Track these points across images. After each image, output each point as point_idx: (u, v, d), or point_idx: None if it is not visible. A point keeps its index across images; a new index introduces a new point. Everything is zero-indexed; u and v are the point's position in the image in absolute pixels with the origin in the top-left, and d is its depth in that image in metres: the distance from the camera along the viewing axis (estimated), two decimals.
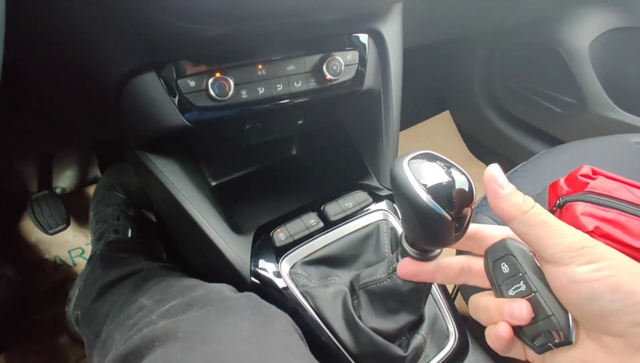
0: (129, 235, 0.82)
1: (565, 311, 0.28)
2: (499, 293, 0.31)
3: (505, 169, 0.90)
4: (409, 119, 1.49)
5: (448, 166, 0.32)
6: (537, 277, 0.29)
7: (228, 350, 0.36)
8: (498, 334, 0.29)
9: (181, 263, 0.70)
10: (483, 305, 0.31)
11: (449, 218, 0.30)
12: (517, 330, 0.30)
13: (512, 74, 1.26)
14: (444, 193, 0.31)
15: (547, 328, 0.28)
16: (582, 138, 0.79)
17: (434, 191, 0.30)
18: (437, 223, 0.31)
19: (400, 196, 0.32)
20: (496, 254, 0.32)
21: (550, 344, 0.28)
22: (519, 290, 0.30)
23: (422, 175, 0.31)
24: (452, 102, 1.53)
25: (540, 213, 0.28)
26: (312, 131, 0.76)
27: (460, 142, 1.50)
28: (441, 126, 1.52)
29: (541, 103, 1.17)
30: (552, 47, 1.07)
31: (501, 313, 0.29)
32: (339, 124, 0.72)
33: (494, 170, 0.29)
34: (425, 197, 0.30)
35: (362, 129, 0.68)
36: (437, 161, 0.33)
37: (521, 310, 0.28)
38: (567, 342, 0.27)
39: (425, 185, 0.31)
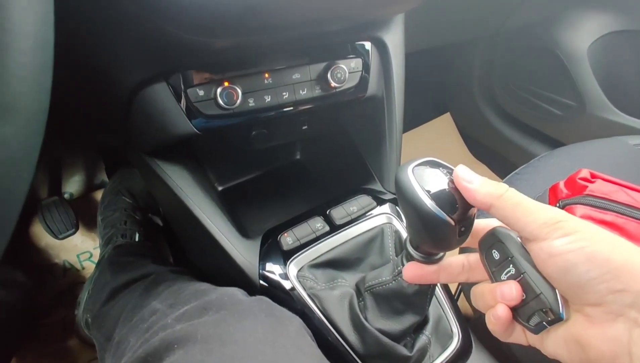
0: (137, 238, 0.84)
1: (553, 289, 0.29)
2: (493, 279, 0.33)
3: (506, 170, 0.92)
4: (410, 122, 1.50)
5: (450, 172, 0.34)
6: (525, 259, 0.30)
7: (245, 351, 0.38)
8: (496, 315, 0.30)
9: (187, 266, 0.71)
10: (479, 293, 0.33)
11: (452, 223, 0.32)
12: (514, 313, 0.31)
13: (512, 77, 1.27)
14: (447, 199, 0.32)
15: (538, 307, 0.29)
16: (582, 140, 0.81)
17: (437, 197, 0.32)
18: (440, 228, 0.32)
19: (405, 202, 0.33)
20: (487, 243, 0.34)
21: (544, 323, 0.29)
22: (509, 273, 0.31)
23: (425, 182, 0.33)
24: (452, 104, 1.55)
25: (514, 196, 0.29)
26: (316, 136, 0.77)
27: (461, 143, 1.52)
28: (442, 128, 1.53)
29: (540, 105, 1.19)
30: (551, 50, 1.09)
31: (494, 297, 0.31)
32: (343, 129, 0.73)
33: (460, 170, 0.32)
34: (429, 203, 0.32)
35: (366, 134, 0.70)
36: (440, 168, 0.34)
37: (510, 291, 0.30)
38: (558, 319, 0.28)
39: (428, 191, 0.32)
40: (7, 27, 0.19)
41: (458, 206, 0.32)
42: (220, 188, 0.76)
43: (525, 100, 1.23)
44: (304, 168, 0.81)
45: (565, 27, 1.06)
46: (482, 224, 0.36)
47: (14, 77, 0.19)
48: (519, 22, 1.15)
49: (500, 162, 1.40)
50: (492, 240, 0.33)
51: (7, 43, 0.19)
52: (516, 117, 1.31)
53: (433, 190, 0.32)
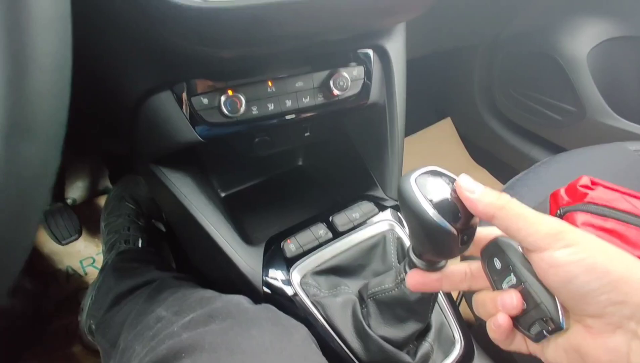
0: (140, 244, 0.84)
1: (553, 299, 0.29)
2: (495, 288, 0.33)
3: (507, 174, 0.92)
4: (410, 126, 1.51)
5: (453, 181, 0.34)
6: (526, 269, 0.31)
7: (252, 360, 0.38)
8: (497, 323, 0.31)
9: (190, 272, 0.72)
10: (481, 300, 0.33)
11: (455, 232, 0.32)
12: (515, 322, 0.31)
13: (512, 82, 1.28)
14: (449, 208, 0.32)
15: (538, 316, 0.30)
16: (582, 145, 0.81)
17: (440, 206, 0.32)
18: (443, 237, 0.33)
19: (408, 211, 0.34)
20: (489, 252, 0.34)
21: (544, 332, 0.29)
22: (510, 282, 0.31)
23: (428, 191, 0.33)
24: (453, 109, 1.56)
25: (516, 206, 0.30)
26: (318, 142, 0.78)
27: (461, 148, 1.52)
28: (443, 133, 1.54)
29: (541, 110, 1.19)
30: (550, 56, 1.09)
31: (495, 305, 0.31)
32: (345, 135, 0.74)
33: (462, 180, 0.32)
34: (432, 213, 0.32)
35: (368, 141, 0.70)
36: (443, 177, 0.34)
37: (511, 300, 0.30)
38: (558, 328, 0.29)
39: (431, 201, 0.32)
40: (29, 46, 0.19)
41: (460, 215, 0.33)
42: (223, 195, 0.76)
43: (526, 105, 1.24)
44: (306, 174, 0.82)
45: (565, 33, 1.07)
46: (484, 233, 0.36)
47: (35, 96, 0.20)
48: (518, 28, 1.16)
49: (501, 167, 1.41)
50: (493, 249, 0.34)
51: (29, 62, 0.19)
52: (516, 122, 1.32)
53: (436, 199, 0.32)
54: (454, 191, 0.33)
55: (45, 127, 0.21)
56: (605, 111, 1.03)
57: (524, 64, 1.21)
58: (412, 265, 0.40)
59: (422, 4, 0.51)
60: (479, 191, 0.31)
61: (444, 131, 1.54)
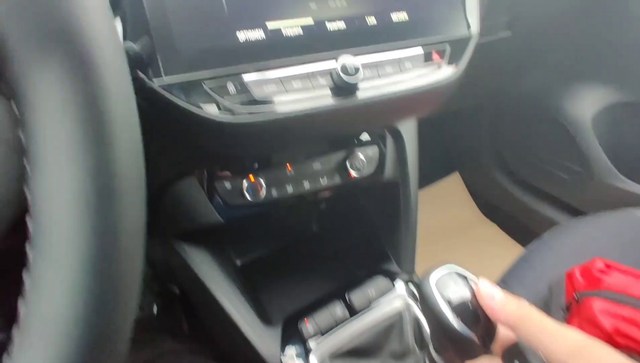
0: (154, 310, 0.84)
1: None
2: None
3: (517, 230, 0.91)
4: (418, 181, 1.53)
5: (473, 284, 0.35)
6: None
7: None
8: None
9: (204, 337, 0.71)
10: None
11: (476, 339, 0.33)
12: None
13: (519, 141, 1.30)
14: (470, 314, 0.33)
15: None
16: (591, 205, 0.82)
17: (460, 312, 0.33)
18: (464, 343, 0.33)
19: (429, 315, 0.35)
20: (511, 355, 0.35)
21: None
22: None
23: (448, 296, 0.34)
24: (461, 163, 1.58)
25: (536, 317, 0.30)
26: (333, 214, 0.79)
27: (471, 204, 1.53)
28: (451, 188, 1.55)
29: (549, 170, 1.21)
30: (555, 119, 1.13)
31: None
32: (359, 208, 0.76)
33: (482, 287, 0.33)
34: (453, 320, 0.33)
35: (382, 215, 0.72)
36: (463, 279, 0.35)
37: None
38: None
39: (452, 306, 0.33)
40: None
41: (481, 319, 0.33)
42: (239, 264, 0.77)
43: (534, 164, 1.26)
44: (320, 242, 0.83)
45: (568, 98, 1.10)
46: (505, 332, 0.37)
47: (121, 310, 0.22)
48: (522, 91, 1.19)
49: (511, 222, 1.41)
50: (516, 352, 0.34)
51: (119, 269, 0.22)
52: (525, 180, 1.33)
53: (456, 305, 0.33)
54: (474, 296, 0.34)
55: (124, 330, 0.23)
56: (613, 173, 1.05)
57: (529, 125, 1.24)
58: (432, 361, 0.40)
59: (441, 100, 0.54)
60: (499, 299, 0.32)
61: (453, 186, 1.56)
